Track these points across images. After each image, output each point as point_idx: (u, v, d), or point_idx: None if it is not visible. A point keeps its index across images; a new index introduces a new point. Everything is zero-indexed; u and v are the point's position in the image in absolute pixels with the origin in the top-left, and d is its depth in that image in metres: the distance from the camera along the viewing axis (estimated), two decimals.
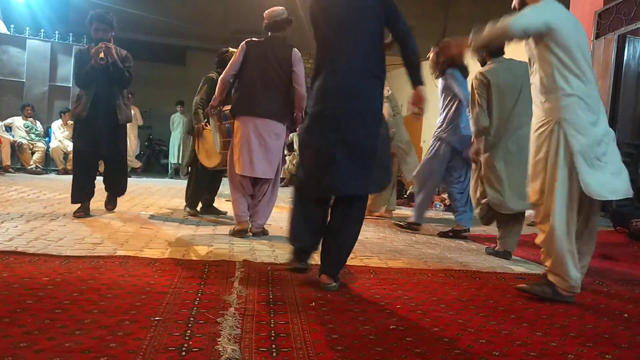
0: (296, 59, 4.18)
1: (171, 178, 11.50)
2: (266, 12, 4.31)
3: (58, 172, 9.59)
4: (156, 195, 7.30)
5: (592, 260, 4.11)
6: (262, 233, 4.39)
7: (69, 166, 9.73)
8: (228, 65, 4.26)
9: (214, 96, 4.39)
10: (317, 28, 2.98)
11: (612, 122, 6.50)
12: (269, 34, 4.29)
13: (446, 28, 13.25)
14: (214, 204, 5.63)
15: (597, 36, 6.80)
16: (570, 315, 2.62)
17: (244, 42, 4.23)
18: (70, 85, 10.68)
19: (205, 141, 5.04)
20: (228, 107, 4.37)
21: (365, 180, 2.83)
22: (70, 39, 10.74)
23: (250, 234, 4.35)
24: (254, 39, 4.27)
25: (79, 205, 4.78)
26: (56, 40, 10.66)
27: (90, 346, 1.83)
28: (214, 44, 14.08)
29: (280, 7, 4.32)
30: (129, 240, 3.82)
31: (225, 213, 5.44)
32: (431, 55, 4.92)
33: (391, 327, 2.26)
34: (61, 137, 9.93)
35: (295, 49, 4.23)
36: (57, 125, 10.07)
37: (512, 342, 2.17)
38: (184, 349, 1.87)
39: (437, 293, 2.87)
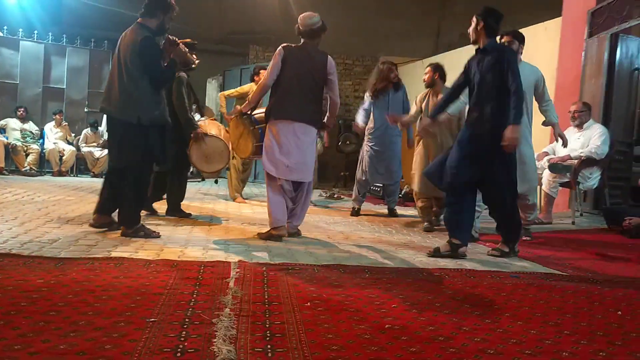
0: (331, 67, 4.29)
1: None
2: (301, 17, 4.30)
3: (53, 174, 9.55)
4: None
5: (586, 257, 4.17)
6: (296, 233, 4.48)
7: (64, 168, 9.71)
8: (269, 71, 4.27)
9: (246, 103, 4.48)
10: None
11: (606, 121, 6.53)
12: (302, 40, 4.31)
13: (440, 27, 13.29)
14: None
15: (590, 35, 6.83)
16: (564, 313, 2.63)
17: (280, 47, 4.26)
18: (64, 87, 10.65)
19: (207, 146, 5.02)
20: (258, 112, 4.47)
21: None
22: (64, 40, 10.70)
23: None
24: (290, 44, 4.29)
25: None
26: (49, 42, 10.62)
27: (85, 348, 1.83)
28: (208, 45, 14.06)
29: (315, 14, 4.31)
30: (123, 242, 3.82)
31: (190, 215, 5.25)
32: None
33: (386, 326, 2.27)
34: (54, 138, 9.89)
35: (330, 57, 4.32)
36: (49, 127, 10.03)
37: (506, 340, 2.18)
38: (179, 350, 1.87)
39: (432, 292, 2.88)
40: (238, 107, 4.84)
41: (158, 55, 4.04)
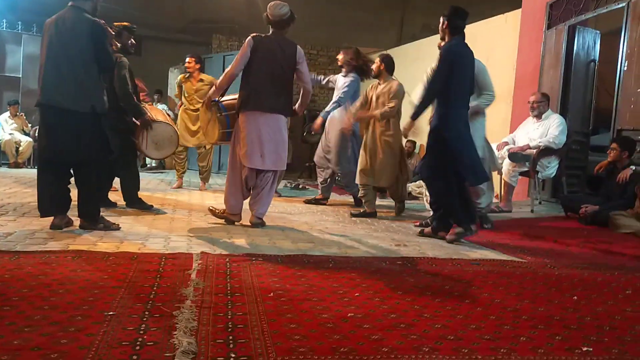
0: (301, 57, 4.36)
1: None
2: (270, 7, 4.29)
3: (9, 166, 9.26)
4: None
5: (544, 244, 4.27)
6: (260, 224, 4.45)
7: (20, 159, 9.41)
8: (237, 60, 4.27)
9: (213, 89, 4.44)
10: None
11: (563, 111, 6.69)
12: (271, 30, 4.33)
13: (403, 18, 13.38)
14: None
15: (549, 27, 6.97)
16: (522, 299, 2.69)
17: (250, 37, 4.26)
18: (20, 76, 10.31)
19: (155, 132, 4.92)
20: (226, 99, 4.49)
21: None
22: (19, 27, 10.35)
23: (249, 223, 4.43)
24: (260, 34, 4.30)
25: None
26: (4, 29, 10.26)
27: (39, 343, 1.78)
28: (170, 34, 13.84)
29: (285, 4, 4.31)
30: (82, 234, 3.73)
31: (151, 207, 5.12)
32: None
33: (349, 314, 2.28)
34: (10, 129, 9.57)
35: (299, 47, 4.38)
36: (4, 118, 9.70)
37: (466, 326, 2.21)
38: (138, 343, 1.84)
39: (395, 280, 2.90)
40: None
41: (107, 40, 3.91)
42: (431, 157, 4.29)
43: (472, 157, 4.24)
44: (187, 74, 7.06)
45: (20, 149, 9.45)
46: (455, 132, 4.16)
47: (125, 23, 4.89)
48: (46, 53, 3.81)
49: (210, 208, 4.64)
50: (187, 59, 7.01)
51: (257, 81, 4.25)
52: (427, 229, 4.44)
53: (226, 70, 4.41)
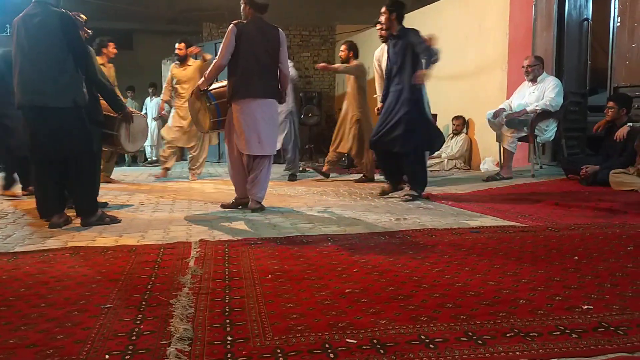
0: (283, 40, 4.40)
1: (128, 166, 11.24)
2: None
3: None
4: (110, 184, 7.12)
5: (545, 207, 4.25)
6: (259, 209, 4.45)
7: None
8: (223, 49, 4.26)
9: (202, 80, 4.43)
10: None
11: (559, 73, 6.61)
12: (251, 15, 4.32)
13: None
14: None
15: None
16: (522, 263, 2.67)
17: (232, 25, 4.26)
18: None
19: (133, 125, 4.73)
20: (214, 87, 4.50)
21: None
22: (8, 30, 10.28)
23: (249, 210, 4.44)
24: (241, 21, 4.32)
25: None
26: None
27: (35, 340, 1.78)
28: (160, 25, 13.72)
29: None
30: (81, 231, 3.73)
31: (107, 204, 4.90)
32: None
33: (347, 290, 2.27)
34: None
35: (281, 30, 4.41)
36: None
37: (465, 294, 2.20)
38: (134, 333, 1.83)
39: (393, 254, 2.89)
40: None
41: (78, 29, 3.86)
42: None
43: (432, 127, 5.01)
44: (178, 62, 7.02)
45: None
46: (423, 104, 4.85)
47: (80, 14, 4.70)
48: (19, 53, 3.75)
49: (223, 204, 4.70)
50: (177, 45, 6.98)
51: (246, 68, 4.25)
52: (387, 186, 5.14)
53: (214, 61, 4.45)
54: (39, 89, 3.70)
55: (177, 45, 7.01)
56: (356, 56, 6.49)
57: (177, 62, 7.09)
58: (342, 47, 6.55)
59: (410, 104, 4.73)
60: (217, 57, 4.39)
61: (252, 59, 4.25)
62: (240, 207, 4.58)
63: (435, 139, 5.04)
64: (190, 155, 7.25)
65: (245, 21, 4.31)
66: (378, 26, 5.61)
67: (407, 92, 4.73)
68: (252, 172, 4.45)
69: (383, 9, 4.83)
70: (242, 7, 4.37)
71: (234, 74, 4.29)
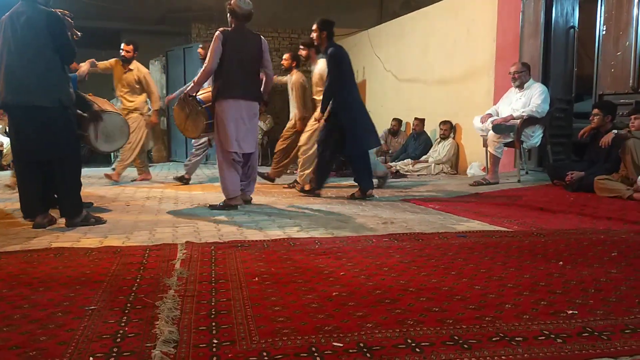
0: (265, 46, 4.75)
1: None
2: (235, 2, 4.55)
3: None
4: (95, 185, 7.07)
5: (531, 213, 4.28)
6: (250, 200, 4.92)
7: (5, 162, 9.28)
8: (210, 55, 4.52)
9: (192, 85, 4.72)
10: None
11: (545, 80, 6.68)
12: (235, 23, 4.61)
13: None
14: None
15: None
16: (508, 267, 2.69)
17: (218, 32, 4.54)
18: None
19: (105, 124, 4.66)
20: (200, 93, 4.78)
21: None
22: None
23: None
24: (226, 28, 4.61)
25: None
26: None
27: (18, 342, 1.76)
28: (148, 25, 13.61)
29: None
30: (65, 232, 3.69)
31: (92, 204, 4.85)
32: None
33: (334, 293, 2.27)
34: None
35: (263, 37, 4.76)
36: None
37: (451, 298, 2.21)
38: (119, 335, 1.82)
39: (380, 257, 2.89)
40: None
41: (66, 29, 3.81)
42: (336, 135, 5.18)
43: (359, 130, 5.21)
44: (122, 62, 6.84)
45: (4, 150, 9.32)
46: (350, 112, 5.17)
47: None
48: (5, 51, 3.70)
49: (211, 205, 4.79)
50: (124, 46, 6.77)
51: (230, 71, 4.53)
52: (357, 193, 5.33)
53: (204, 66, 4.64)
54: (24, 88, 3.66)
55: (123, 45, 6.77)
56: (298, 65, 6.58)
57: (122, 61, 6.85)
58: (286, 56, 6.62)
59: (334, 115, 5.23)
60: (206, 62, 4.59)
61: (236, 64, 4.54)
62: (227, 210, 4.60)
63: (364, 138, 5.25)
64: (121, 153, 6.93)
65: (229, 29, 4.61)
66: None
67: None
68: (245, 172, 4.80)
69: (314, 27, 5.28)
70: (227, 16, 4.64)
71: (219, 77, 4.56)
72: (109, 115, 4.72)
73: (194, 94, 4.71)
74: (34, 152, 3.76)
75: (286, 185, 6.31)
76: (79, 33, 4.07)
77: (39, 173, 3.84)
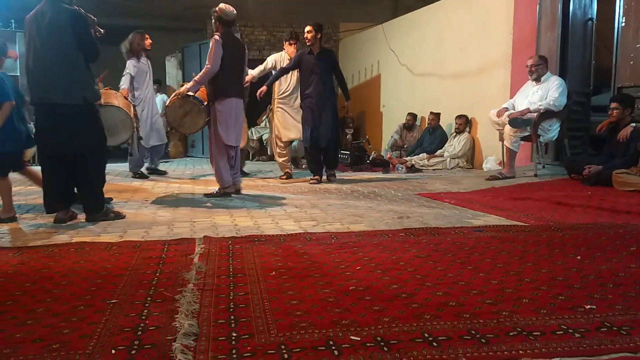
0: (246, 50, 5.33)
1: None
2: (223, 8, 4.96)
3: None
4: (117, 178, 7.14)
5: (548, 207, 4.25)
6: (240, 190, 5.31)
7: (25, 157, 9.35)
8: (214, 57, 4.87)
9: (192, 84, 4.98)
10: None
11: (562, 73, 6.60)
12: (221, 29, 4.99)
13: None
14: None
15: None
16: (525, 262, 2.68)
17: (217, 36, 4.92)
18: (18, 74, 10.28)
19: (104, 118, 4.62)
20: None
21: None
22: (13, 25, 10.29)
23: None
24: (221, 33, 4.99)
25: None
26: None
27: (42, 335, 1.80)
28: (164, 22, 13.69)
29: (231, 7, 5.00)
30: (86, 227, 3.75)
31: (112, 200, 4.87)
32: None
33: (350, 288, 2.28)
34: None
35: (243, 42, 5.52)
36: None
37: (468, 292, 2.21)
38: (140, 328, 1.85)
39: (396, 252, 2.90)
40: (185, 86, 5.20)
41: (89, 27, 3.86)
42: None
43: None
44: None
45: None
46: None
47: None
48: (31, 50, 3.77)
49: (206, 194, 5.21)
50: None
51: (227, 73, 4.94)
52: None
53: (206, 66, 4.93)
54: (49, 86, 3.73)
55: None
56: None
57: None
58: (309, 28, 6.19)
59: (334, 107, 6.22)
60: (209, 63, 4.90)
61: (230, 65, 4.97)
62: (224, 197, 5.05)
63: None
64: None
65: (223, 34, 4.96)
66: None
67: (332, 97, 6.19)
68: (233, 162, 5.21)
69: (309, 28, 5.99)
70: (213, 22, 5.04)
71: (218, 77, 4.94)
72: (106, 109, 4.69)
73: (194, 93, 5.05)
74: (59, 148, 3.82)
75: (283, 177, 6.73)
76: (102, 30, 4.11)
77: (63, 169, 3.89)
